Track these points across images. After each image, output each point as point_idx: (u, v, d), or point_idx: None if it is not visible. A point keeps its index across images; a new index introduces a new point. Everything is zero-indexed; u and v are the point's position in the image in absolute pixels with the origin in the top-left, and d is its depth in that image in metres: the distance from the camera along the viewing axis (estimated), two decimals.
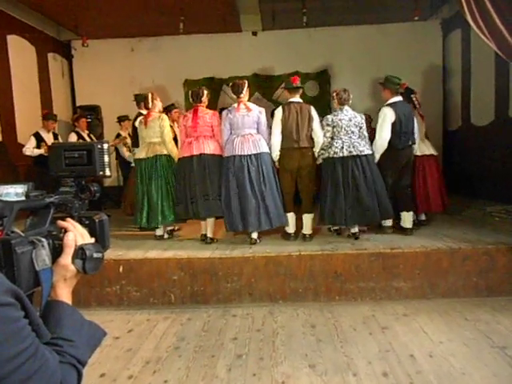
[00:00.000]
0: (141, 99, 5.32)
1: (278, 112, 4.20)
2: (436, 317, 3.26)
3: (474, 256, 3.67)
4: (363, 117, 4.24)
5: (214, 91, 7.85)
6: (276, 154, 4.19)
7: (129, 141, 6.57)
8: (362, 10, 7.00)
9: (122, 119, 6.77)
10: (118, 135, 6.71)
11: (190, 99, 4.44)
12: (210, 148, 4.21)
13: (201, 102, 4.32)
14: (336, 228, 4.32)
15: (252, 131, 4.14)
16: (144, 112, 5.15)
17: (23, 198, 0.82)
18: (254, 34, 7.90)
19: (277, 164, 4.25)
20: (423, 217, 4.74)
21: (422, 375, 2.42)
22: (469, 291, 3.65)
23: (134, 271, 3.73)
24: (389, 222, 4.33)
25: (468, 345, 2.78)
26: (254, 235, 4.13)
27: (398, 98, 4.31)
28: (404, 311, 3.40)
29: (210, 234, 4.26)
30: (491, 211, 5.24)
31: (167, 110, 5.64)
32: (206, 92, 4.38)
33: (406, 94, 5.04)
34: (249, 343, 2.93)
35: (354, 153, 4.04)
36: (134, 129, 5.18)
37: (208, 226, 4.27)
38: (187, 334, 3.12)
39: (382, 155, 4.24)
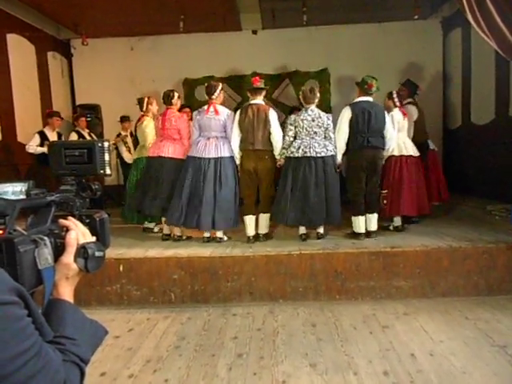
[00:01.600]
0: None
1: (236, 114, 4.21)
2: (436, 316, 3.27)
3: (475, 255, 3.68)
4: (329, 117, 4.14)
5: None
6: (236, 157, 4.21)
7: (129, 139, 6.59)
8: (362, 9, 6.98)
9: (123, 119, 6.77)
10: (119, 135, 6.71)
11: (162, 100, 4.57)
12: (169, 151, 4.36)
13: (171, 104, 4.46)
14: (301, 234, 4.17)
15: (218, 134, 4.19)
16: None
17: (23, 196, 0.81)
18: (254, 32, 7.89)
19: (238, 167, 4.26)
20: (399, 222, 4.44)
21: (423, 374, 2.42)
22: (469, 290, 3.65)
23: (134, 270, 3.73)
24: (361, 229, 4.16)
25: (468, 344, 2.78)
26: (219, 234, 4.22)
27: (365, 98, 4.19)
28: (404, 310, 3.40)
29: (166, 231, 4.43)
30: (491, 210, 5.25)
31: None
32: (176, 95, 4.51)
33: (410, 89, 5.05)
34: (249, 342, 2.93)
35: (309, 154, 4.00)
36: (136, 130, 5.33)
37: (164, 226, 4.47)
38: (187, 333, 3.12)
39: (344, 157, 4.19)
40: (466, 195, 6.53)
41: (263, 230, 4.29)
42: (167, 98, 4.45)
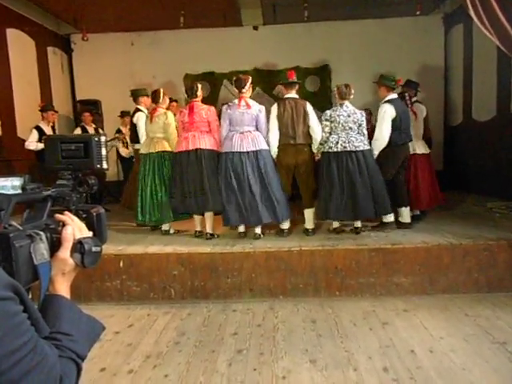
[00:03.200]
0: (139, 94, 5.29)
1: (274, 109, 4.19)
2: (436, 312, 3.26)
3: (475, 252, 3.67)
4: (363, 114, 4.20)
5: (215, 86, 7.83)
6: (274, 151, 4.18)
7: (127, 137, 6.57)
8: (363, 5, 6.95)
9: (124, 114, 6.75)
10: (119, 130, 6.70)
11: (185, 94, 4.43)
12: (206, 143, 4.19)
13: (196, 96, 4.31)
14: (335, 227, 4.26)
15: (251, 128, 4.12)
16: (142, 107, 5.14)
17: (19, 191, 0.80)
18: (255, 28, 7.85)
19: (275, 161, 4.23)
20: (417, 212, 4.75)
21: (423, 370, 2.42)
22: (469, 287, 3.65)
23: (134, 266, 3.73)
24: (390, 218, 4.28)
25: (468, 340, 2.78)
26: (258, 230, 4.14)
27: (395, 96, 4.31)
28: (404, 307, 3.40)
29: (209, 230, 4.24)
30: (492, 207, 5.24)
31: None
32: (200, 86, 4.36)
33: (412, 87, 5.06)
34: (249, 338, 2.93)
35: (349, 148, 4.03)
36: (133, 125, 5.16)
37: (207, 221, 4.26)
38: (187, 329, 3.12)
39: (382, 152, 4.21)
40: (467, 192, 6.52)
41: (310, 225, 4.27)
42: (191, 91, 4.31)
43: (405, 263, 3.68)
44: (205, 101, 4.56)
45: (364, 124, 4.19)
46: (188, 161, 4.18)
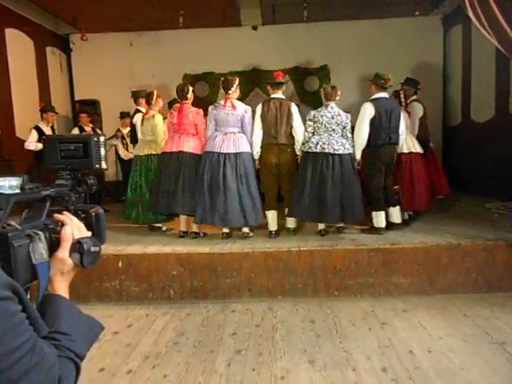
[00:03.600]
0: (139, 96, 5.33)
1: (258, 108, 4.20)
2: (435, 313, 3.27)
3: (474, 252, 3.67)
4: (348, 116, 4.16)
5: (214, 86, 7.81)
6: (257, 151, 4.18)
7: (126, 135, 6.57)
8: (362, 5, 6.96)
9: (123, 115, 6.75)
10: (118, 130, 6.69)
11: (176, 96, 4.47)
12: (189, 146, 4.25)
13: (186, 98, 4.35)
14: (320, 229, 4.21)
15: (235, 129, 4.14)
16: (142, 109, 5.17)
17: (18, 191, 0.80)
18: (254, 28, 7.85)
19: (257, 162, 4.23)
20: (405, 216, 4.63)
21: (421, 371, 2.43)
22: (468, 287, 3.65)
23: (133, 266, 3.73)
24: (382, 224, 4.18)
25: (467, 340, 2.78)
26: (246, 229, 4.16)
27: (383, 95, 4.24)
28: (403, 307, 3.40)
29: (194, 229, 4.31)
30: (491, 207, 5.25)
31: (169, 105, 5.64)
32: (190, 88, 4.40)
33: (412, 86, 5.06)
34: (248, 338, 2.93)
35: (327, 150, 4.01)
36: (133, 126, 5.22)
37: (191, 221, 4.32)
38: (186, 329, 3.12)
39: (364, 154, 4.18)
40: (466, 192, 6.52)
41: (292, 224, 4.28)
42: (181, 93, 4.33)
43: (404, 263, 3.68)
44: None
45: (348, 126, 4.15)
46: (170, 162, 4.28)
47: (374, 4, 6.89)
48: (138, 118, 5.07)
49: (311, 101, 7.08)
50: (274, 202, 4.26)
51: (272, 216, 4.21)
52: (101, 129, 7.48)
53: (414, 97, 5.06)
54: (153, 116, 4.61)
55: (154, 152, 4.62)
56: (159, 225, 4.70)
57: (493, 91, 6.19)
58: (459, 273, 3.66)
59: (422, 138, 4.87)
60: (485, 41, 4.19)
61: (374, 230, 4.20)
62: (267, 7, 6.94)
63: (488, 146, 6.33)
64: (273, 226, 4.21)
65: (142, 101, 5.25)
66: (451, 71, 7.74)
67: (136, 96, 5.40)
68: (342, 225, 4.24)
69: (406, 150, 4.55)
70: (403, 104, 4.62)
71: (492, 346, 2.70)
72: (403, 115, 4.39)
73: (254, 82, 7.53)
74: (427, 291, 3.66)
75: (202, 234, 4.31)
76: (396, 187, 4.47)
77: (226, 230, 4.21)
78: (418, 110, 4.93)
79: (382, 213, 4.22)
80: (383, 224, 4.20)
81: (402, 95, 4.65)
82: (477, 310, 3.28)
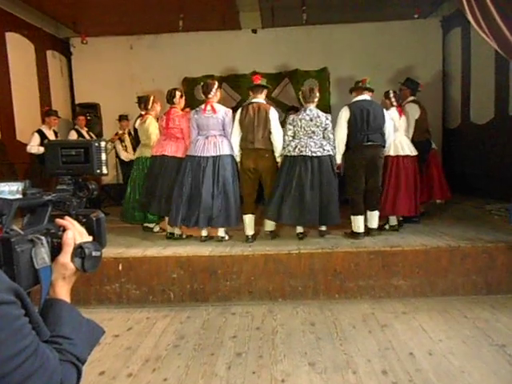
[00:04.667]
0: (142, 101, 5.39)
1: (237, 113, 4.21)
2: (435, 315, 3.27)
3: (474, 254, 3.68)
4: (328, 117, 4.12)
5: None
6: (236, 155, 4.21)
7: (126, 138, 6.60)
8: (361, 8, 6.98)
9: (122, 118, 6.77)
10: (117, 134, 6.71)
11: (166, 100, 4.55)
12: (171, 149, 4.36)
13: (173, 103, 4.44)
14: (298, 232, 4.19)
15: (216, 133, 4.17)
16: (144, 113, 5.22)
17: (19, 196, 0.81)
18: (254, 31, 7.87)
19: (238, 165, 4.26)
20: (394, 221, 4.47)
21: (422, 373, 2.43)
22: (468, 289, 3.65)
23: (133, 269, 3.73)
24: (360, 229, 4.11)
25: (467, 343, 2.78)
26: (221, 233, 4.20)
27: (362, 97, 4.21)
28: (403, 309, 3.40)
29: (169, 229, 4.41)
30: (490, 209, 5.25)
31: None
32: (178, 93, 4.47)
33: (411, 87, 5.04)
34: (248, 341, 2.93)
35: (304, 153, 4.00)
36: (135, 130, 5.30)
37: (166, 225, 4.45)
38: (187, 332, 3.12)
39: (344, 156, 4.17)
40: (465, 194, 6.53)
41: (270, 227, 4.29)
42: (170, 97, 4.44)
43: (404, 266, 3.68)
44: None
45: (329, 127, 4.10)
46: (154, 165, 4.43)
47: (373, 7, 6.91)
48: (138, 122, 5.20)
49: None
50: (251, 206, 4.24)
51: (249, 220, 4.21)
52: (101, 132, 7.51)
53: (411, 98, 5.02)
54: (145, 121, 4.77)
55: (147, 155, 4.74)
56: (151, 225, 4.82)
57: (492, 93, 6.21)
58: (459, 275, 3.66)
59: (418, 140, 4.74)
60: (484, 43, 4.20)
61: (353, 235, 4.14)
62: (266, 10, 6.97)
63: (488, 147, 6.34)
64: (249, 230, 4.20)
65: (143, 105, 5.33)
66: (451, 73, 7.76)
67: (141, 101, 5.51)
68: (324, 228, 4.23)
69: (392, 153, 4.38)
70: (395, 104, 4.47)
71: (492, 348, 2.70)
72: (391, 116, 4.30)
73: None
74: (427, 293, 3.66)
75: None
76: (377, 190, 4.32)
77: (204, 234, 4.24)
78: (414, 111, 4.82)
79: (360, 217, 4.14)
80: (360, 229, 4.12)
81: (391, 95, 4.49)
82: (477, 312, 3.28)
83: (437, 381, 2.35)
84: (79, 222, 0.88)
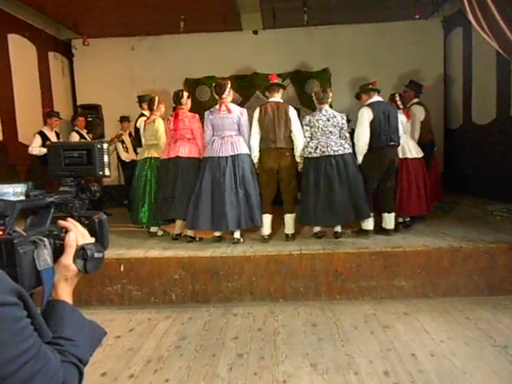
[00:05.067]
0: (143, 100, 5.39)
1: (256, 112, 4.19)
2: (437, 316, 3.26)
3: (475, 255, 3.67)
4: (344, 117, 4.18)
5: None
6: (254, 155, 4.18)
7: (127, 139, 6.61)
8: (362, 9, 6.98)
9: (123, 120, 6.78)
10: (116, 136, 6.71)
11: (172, 101, 4.51)
12: (185, 151, 4.28)
13: (181, 104, 4.38)
14: (316, 232, 4.23)
15: (232, 133, 4.14)
16: (146, 113, 5.21)
17: (23, 198, 0.81)
18: (255, 32, 7.88)
19: (256, 166, 4.24)
20: (407, 218, 4.62)
21: (423, 374, 2.42)
22: (470, 290, 3.65)
23: (134, 270, 3.73)
24: (369, 226, 4.17)
25: (469, 344, 2.78)
26: (237, 234, 4.13)
27: (376, 98, 4.26)
28: (405, 310, 3.40)
29: (190, 233, 4.29)
30: (492, 210, 5.24)
31: (174, 110, 5.68)
32: (186, 94, 4.44)
33: (415, 89, 5.06)
34: (250, 342, 2.93)
35: (327, 153, 4.02)
36: (136, 129, 5.27)
37: (176, 226, 4.38)
38: (188, 333, 3.12)
39: (365, 156, 4.18)
40: (467, 195, 6.52)
41: (290, 230, 4.23)
42: (177, 98, 4.38)
43: (405, 266, 3.68)
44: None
45: (345, 127, 4.16)
46: (167, 168, 4.32)
47: (374, 8, 6.91)
48: (141, 122, 5.14)
49: (312, 104, 7.10)
50: (269, 207, 4.23)
51: (267, 220, 4.20)
52: (102, 133, 7.52)
53: (415, 100, 5.04)
54: (153, 121, 4.67)
55: (156, 155, 4.66)
56: (155, 230, 4.70)
57: (494, 93, 6.20)
58: (461, 276, 3.66)
59: (424, 142, 4.82)
60: (485, 43, 4.20)
61: (361, 233, 4.19)
62: (268, 11, 6.97)
63: (489, 148, 6.33)
64: (267, 229, 4.20)
65: (146, 105, 5.31)
66: (452, 74, 7.75)
67: (141, 100, 5.49)
68: (339, 230, 4.20)
69: (400, 156, 4.45)
70: (401, 107, 4.56)
71: (494, 349, 2.70)
72: (400, 118, 4.37)
73: (255, 86, 7.55)
74: (429, 294, 3.65)
75: (197, 239, 4.30)
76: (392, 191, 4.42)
77: (217, 234, 4.20)
78: (419, 113, 4.90)
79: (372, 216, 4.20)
80: (370, 227, 4.17)
81: (397, 98, 4.58)
82: (479, 313, 3.27)
83: (438, 382, 2.34)
84: (81, 223, 0.88)
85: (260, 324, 3.24)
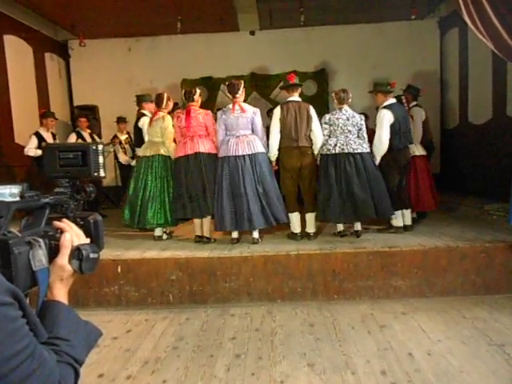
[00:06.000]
0: (142, 100, 5.33)
1: (277, 111, 4.20)
2: (434, 315, 3.27)
3: (472, 254, 3.68)
4: (362, 118, 4.25)
5: (212, 91, 7.86)
6: (274, 154, 4.19)
7: (123, 139, 6.57)
8: (359, 9, 7.01)
9: (120, 120, 6.76)
10: (115, 137, 6.70)
11: (183, 98, 4.44)
12: (205, 147, 4.20)
13: (193, 101, 4.31)
14: (339, 231, 4.27)
15: (247, 132, 4.12)
16: (146, 112, 5.16)
17: (18, 199, 0.81)
18: (252, 33, 7.90)
19: (273, 164, 4.25)
20: (414, 214, 4.78)
21: (421, 373, 2.43)
22: (467, 289, 3.66)
23: (132, 271, 3.73)
24: (399, 223, 4.32)
25: (466, 343, 2.79)
26: (255, 234, 4.11)
27: (393, 100, 4.35)
28: (402, 310, 3.40)
29: (206, 234, 4.25)
30: (489, 209, 5.26)
31: (172, 110, 5.66)
32: (198, 91, 4.37)
33: (413, 93, 5.12)
34: (247, 343, 2.93)
35: (347, 150, 4.07)
36: (138, 129, 5.16)
37: (204, 226, 4.27)
38: (186, 334, 3.12)
39: (383, 157, 4.24)
40: (464, 194, 6.54)
41: (312, 229, 4.25)
42: (189, 95, 4.32)
43: (402, 266, 3.69)
44: (203, 105, 4.57)
45: (364, 128, 4.23)
46: (188, 165, 4.19)
47: (371, 8, 6.94)
48: (144, 122, 4.98)
49: (310, 104, 7.12)
50: (296, 205, 4.26)
51: (296, 218, 4.22)
52: (99, 134, 7.50)
53: (414, 102, 5.11)
54: (162, 117, 4.55)
55: (163, 153, 4.52)
56: (159, 234, 4.56)
57: (490, 93, 6.23)
58: (458, 275, 3.67)
59: (426, 141, 4.97)
60: (481, 43, 4.22)
61: (394, 229, 4.33)
62: (264, 12, 6.99)
63: (486, 147, 6.36)
64: (298, 227, 4.21)
65: (147, 105, 5.25)
66: (448, 74, 7.78)
67: (140, 100, 5.37)
68: (360, 228, 4.21)
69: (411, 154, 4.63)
70: (406, 108, 4.74)
71: (491, 347, 2.70)
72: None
73: (253, 87, 7.56)
74: (426, 294, 3.66)
75: (213, 240, 4.26)
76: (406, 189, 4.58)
77: (235, 236, 4.16)
78: (421, 114, 5.01)
79: (400, 212, 4.35)
80: (402, 223, 4.34)
81: (404, 100, 4.77)
82: (475, 312, 3.28)
83: (436, 381, 2.35)
84: (77, 224, 0.89)
85: (257, 324, 3.25)
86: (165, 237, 4.59)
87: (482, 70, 6.41)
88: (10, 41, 6.44)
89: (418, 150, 4.75)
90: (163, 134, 4.51)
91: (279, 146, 4.17)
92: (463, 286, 3.67)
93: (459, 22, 6.25)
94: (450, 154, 7.62)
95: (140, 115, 5.23)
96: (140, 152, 4.79)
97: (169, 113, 4.77)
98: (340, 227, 4.27)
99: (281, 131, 4.15)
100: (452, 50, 7.51)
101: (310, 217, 4.25)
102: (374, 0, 6.63)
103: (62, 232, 0.84)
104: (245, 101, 4.35)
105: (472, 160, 6.77)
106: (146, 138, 4.86)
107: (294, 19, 6.70)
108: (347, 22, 7.59)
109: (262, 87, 7.84)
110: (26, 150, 5.64)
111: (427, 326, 3.06)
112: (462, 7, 3.86)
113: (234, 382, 2.44)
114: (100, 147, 0.97)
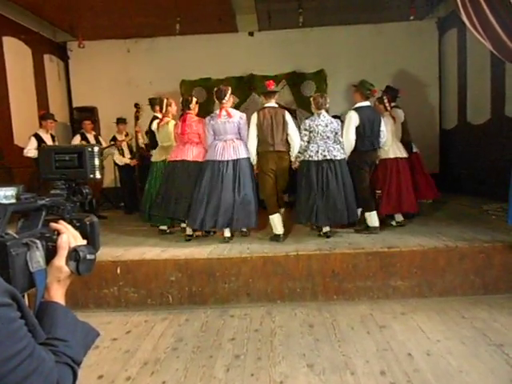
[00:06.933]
0: (155, 103, 5.44)
1: (253, 117, 4.30)
2: (433, 315, 3.27)
3: (471, 254, 3.69)
4: (339, 122, 4.35)
5: (211, 92, 7.85)
6: (253, 158, 4.32)
7: (124, 144, 6.62)
8: (357, 10, 7.01)
9: (119, 121, 6.77)
10: (114, 138, 6.71)
11: (181, 106, 4.64)
12: (192, 154, 4.40)
13: (189, 109, 4.51)
14: (325, 231, 4.31)
15: (234, 136, 4.26)
16: (158, 115, 5.24)
17: (14, 201, 0.82)
18: (251, 34, 7.91)
19: (255, 167, 4.37)
20: (400, 218, 4.76)
21: (420, 374, 2.43)
22: (466, 289, 3.66)
23: (131, 272, 3.73)
24: (376, 223, 4.36)
25: (465, 343, 2.79)
26: (227, 233, 4.26)
27: (366, 103, 4.41)
28: (401, 310, 3.41)
29: (188, 232, 4.44)
30: (488, 209, 5.26)
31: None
32: (194, 100, 4.57)
33: (391, 94, 5.14)
34: (247, 343, 2.93)
35: (328, 157, 4.18)
36: (151, 132, 5.31)
37: (187, 227, 4.47)
38: (185, 335, 3.12)
39: (350, 157, 4.36)
40: (462, 195, 6.55)
41: (279, 231, 4.31)
42: (185, 103, 4.53)
43: (401, 266, 3.69)
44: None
45: (340, 132, 4.32)
46: (174, 170, 4.42)
47: (369, 9, 6.95)
48: (155, 125, 5.17)
49: (308, 105, 7.12)
50: (275, 206, 4.33)
51: (278, 220, 4.28)
52: (99, 135, 7.50)
53: (393, 104, 5.14)
54: (167, 123, 4.79)
55: (165, 157, 4.76)
56: (165, 228, 4.84)
57: (488, 94, 6.24)
58: (457, 275, 3.67)
59: (404, 142, 4.99)
60: (480, 44, 4.22)
61: (369, 230, 4.37)
62: (263, 13, 6.99)
63: (484, 148, 6.36)
64: (280, 229, 4.26)
65: (158, 108, 5.34)
66: (447, 74, 7.79)
67: (152, 103, 5.56)
68: (329, 229, 4.31)
69: (392, 156, 4.69)
70: (388, 109, 4.77)
71: (490, 347, 2.71)
72: (385, 120, 4.54)
73: (251, 88, 7.57)
74: (425, 294, 3.66)
75: (195, 236, 4.44)
76: (378, 191, 4.66)
77: (227, 234, 4.29)
78: (400, 115, 5.06)
79: (375, 212, 4.40)
80: (377, 223, 4.38)
81: (385, 100, 4.79)
82: (475, 312, 3.29)
83: (435, 381, 2.35)
84: (73, 226, 0.89)
85: (257, 325, 3.25)
86: (168, 230, 4.85)
87: (480, 71, 6.42)
88: (9, 42, 6.44)
89: (400, 152, 4.76)
90: (169, 138, 4.75)
91: (257, 150, 4.30)
92: (462, 286, 3.67)
93: (458, 23, 6.27)
94: (449, 154, 7.63)
95: (153, 118, 5.36)
96: (153, 158, 5.10)
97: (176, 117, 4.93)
98: (326, 229, 4.29)
99: (258, 136, 4.26)
100: (450, 50, 7.52)
101: (277, 218, 4.32)
102: (372, 1, 6.64)
103: (58, 233, 0.84)
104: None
105: (471, 160, 6.77)
106: (158, 141, 5.08)
107: (293, 20, 6.70)
108: (346, 23, 7.60)
109: (260, 88, 7.82)
110: (25, 151, 5.66)
111: (426, 326, 3.07)
112: (461, 8, 3.87)
113: (234, 383, 2.44)
114: (96, 149, 0.97)
